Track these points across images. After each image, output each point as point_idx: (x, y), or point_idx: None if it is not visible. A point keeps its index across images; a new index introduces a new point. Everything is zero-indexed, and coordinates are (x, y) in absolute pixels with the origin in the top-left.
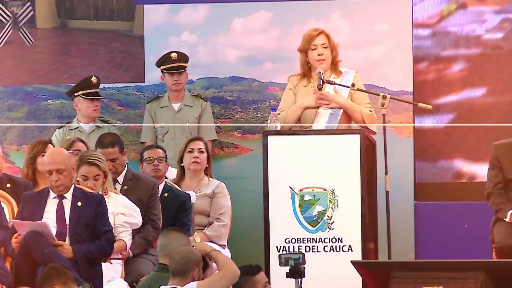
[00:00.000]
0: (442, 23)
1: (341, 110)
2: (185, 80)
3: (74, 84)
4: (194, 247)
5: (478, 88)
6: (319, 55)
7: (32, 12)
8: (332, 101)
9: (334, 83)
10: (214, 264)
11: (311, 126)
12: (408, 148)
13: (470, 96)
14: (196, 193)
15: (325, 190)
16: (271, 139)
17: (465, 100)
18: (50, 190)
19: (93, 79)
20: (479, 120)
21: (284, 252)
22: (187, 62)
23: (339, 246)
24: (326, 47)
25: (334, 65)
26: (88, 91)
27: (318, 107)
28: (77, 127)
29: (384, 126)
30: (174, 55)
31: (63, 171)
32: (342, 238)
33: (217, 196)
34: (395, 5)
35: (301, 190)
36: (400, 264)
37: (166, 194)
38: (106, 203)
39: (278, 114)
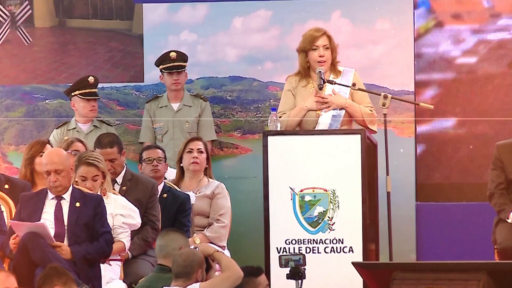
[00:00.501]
0: (418, 43)
1: (343, 111)
2: (184, 79)
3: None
4: (197, 249)
5: (449, 118)
6: (320, 56)
7: (30, 11)
8: (332, 104)
9: (335, 83)
10: (217, 265)
11: (314, 129)
12: (409, 148)
13: (441, 126)
14: (196, 193)
15: (326, 190)
16: (271, 139)
17: (436, 130)
18: (48, 190)
19: (90, 78)
20: (450, 153)
21: (285, 253)
22: (186, 61)
23: (340, 247)
24: (327, 48)
25: (333, 66)
26: (85, 91)
27: (319, 109)
28: (75, 127)
29: (385, 127)
30: (173, 54)
31: (61, 171)
32: (343, 239)
33: (216, 197)
34: (396, 4)
35: (301, 191)
36: (401, 265)
37: (165, 195)
38: (105, 204)
39: (280, 117)
